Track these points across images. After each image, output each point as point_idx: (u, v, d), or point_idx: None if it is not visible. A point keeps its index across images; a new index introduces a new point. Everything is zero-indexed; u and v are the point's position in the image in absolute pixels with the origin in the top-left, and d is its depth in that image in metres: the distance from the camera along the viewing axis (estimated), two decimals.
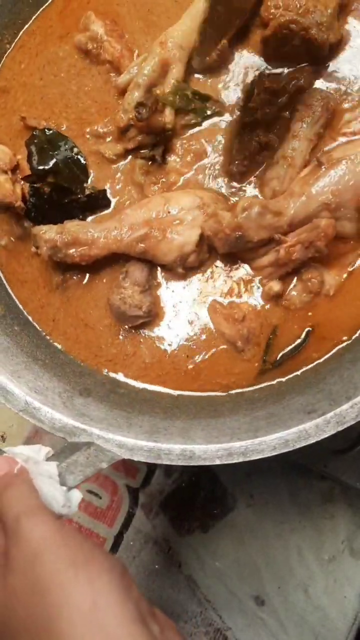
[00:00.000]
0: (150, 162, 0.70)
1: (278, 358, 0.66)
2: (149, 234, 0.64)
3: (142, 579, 0.79)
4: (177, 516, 0.80)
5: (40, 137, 0.71)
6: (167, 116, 0.68)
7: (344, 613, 0.74)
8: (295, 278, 0.66)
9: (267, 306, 0.67)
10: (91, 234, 0.66)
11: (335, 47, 0.67)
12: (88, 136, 0.71)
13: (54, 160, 0.70)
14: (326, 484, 0.77)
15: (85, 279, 0.70)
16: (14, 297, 0.70)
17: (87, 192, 0.70)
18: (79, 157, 0.71)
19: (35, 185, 0.69)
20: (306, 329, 0.66)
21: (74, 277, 0.69)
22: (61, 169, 0.70)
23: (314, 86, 0.68)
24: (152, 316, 0.67)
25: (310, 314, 0.67)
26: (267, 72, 0.69)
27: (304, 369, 0.66)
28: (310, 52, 0.66)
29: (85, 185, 0.71)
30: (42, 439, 0.83)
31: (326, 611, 0.75)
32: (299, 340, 0.66)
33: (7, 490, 0.50)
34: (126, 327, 0.68)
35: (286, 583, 0.76)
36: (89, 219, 0.71)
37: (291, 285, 0.67)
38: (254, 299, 0.67)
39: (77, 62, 0.73)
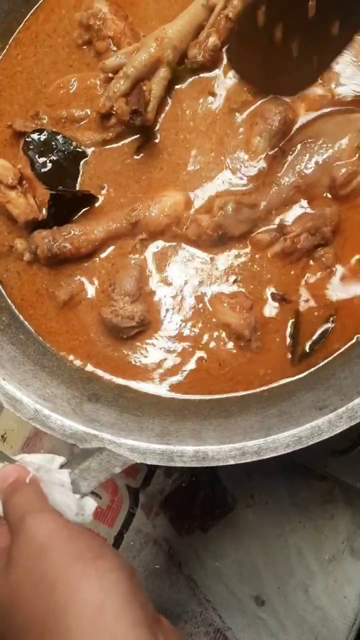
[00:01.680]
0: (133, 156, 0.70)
1: (307, 349, 0.66)
2: (135, 207, 0.67)
3: (142, 579, 0.79)
4: (177, 516, 0.80)
5: (35, 142, 0.70)
6: (149, 112, 0.67)
7: (344, 613, 0.74)
8: (311, 261, 0.67)
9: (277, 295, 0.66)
10: (84, 226, 0.67)
11: None
12: (65, 122, 0.71)
13: (56, 159, 0.69)
14: (326, 484, 0.77)
15: (87, 291, 0.69)
16: (17, 312, 0.69)
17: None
18: (76, 149, 0.70)
19: (58, 192, 0.68)
20: (331, 317, 0.66)
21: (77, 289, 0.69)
22: (65, 167, 0.69)
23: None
24: (146, 324, 0.67)
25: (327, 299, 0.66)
26: None
27: (324, 362, 0.65)
28: None
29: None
30: (42, 439, 0.83)
31: (326, 611, 0.75)
32: (326, 326, 0.66)
33: (15, 494, 0.49)
34: (124, 336, 0.67)
35: (286, 583, 0.76)
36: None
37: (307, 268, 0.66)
38: (260, 286, 0.67)
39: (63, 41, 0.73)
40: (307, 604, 0.75)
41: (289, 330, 0.66)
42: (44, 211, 0.69)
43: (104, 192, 0.70)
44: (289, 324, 0.66)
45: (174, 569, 0.79)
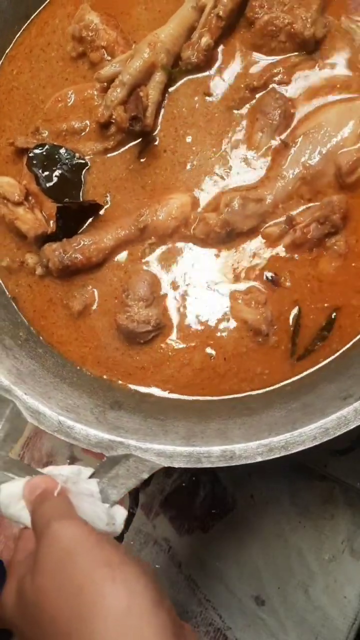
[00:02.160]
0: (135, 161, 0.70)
1: (310, 345, 0.65)
2: (142, 213, 0.67)
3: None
4: (177, 516, 0.80)
5: (38, 157, 0.70)
6: (149, 117, 0.67)
7: (344, 613, 0.74)
8: (322, 251, 0.66)
9: (289, 287, 0.66)
10: (93, 236, 0.68)
11: (322, 42, 0.68)
12: (66, 135, 0.72)
13: (60, 172, 0.69)
14: (326, 484, 0.77)
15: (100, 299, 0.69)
16: (30, 325, 0.70)
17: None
18: (79, 160, 0.70)
19: (65, 204, 0.68)
20: (333, 314, 0.66)
21: (90, 298, 0.69)
22: (70, 179, 0.70)
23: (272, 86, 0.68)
24: (162, 327, 0.67)
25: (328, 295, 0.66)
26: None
27: (332, 357, 0.65)
28: (297, 47, 0.67)
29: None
30: (42, 438, 0.82)
31: (326, 611, 0.74)
32: (328, 324, 0.66)
33: (42, 504, 0.49)
34: (141, 341, 0.67)
35: (286, 583, 0.76)
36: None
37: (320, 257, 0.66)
38: (275, 280, 0.67)
39: (58, 54, 0.73)
40: (307, 603, 0.75)
41: (291, 321, 0.66)
42: (52, 224, 0.69)
43: (108, 199, 0.70)
44: (292, 315, 0.66)
45: (174, 568, 0.79)
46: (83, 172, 0.71)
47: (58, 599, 0.42)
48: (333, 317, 0.66)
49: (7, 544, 0.79)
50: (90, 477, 0.55)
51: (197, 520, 0.79)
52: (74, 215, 0.69)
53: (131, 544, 0.80)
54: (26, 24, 0.76)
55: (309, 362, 0.65)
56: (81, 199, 0.71)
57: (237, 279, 0.67)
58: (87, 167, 0.71)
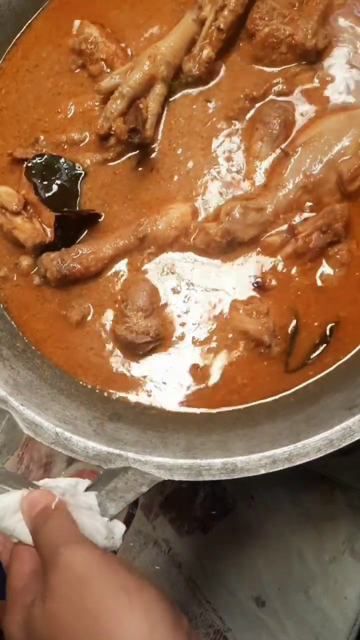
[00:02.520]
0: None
1: (312, 358, 0.64)
2: (142, 222, 0.67)
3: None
4: (177, 517, 0.79)
5: (37, 167, 0.70)
6: (148, 130, 0.67)
7: (344, 614, 0.73)
8: (323, 260, 0.66)
9: (291, 297, 0.66)
10: (92, 245, 0.67)
11: (323, 52, 0.69)
12: (65, 145, 0.72)
13: (59, 182, 0.69)
14: (327, 485, 0.76)
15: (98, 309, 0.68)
16: (25, 337, 0.69)
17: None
18: (78, 171, 0.70)
19: (63, 214, 0.68)
20: (330, 325, 0.65)
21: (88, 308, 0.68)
22: (69, 189, 0.69)
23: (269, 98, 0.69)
24: (162, 338, 0.65)
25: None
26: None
27: (334, 366, 0.64)
28: (298, 57, 0.68)
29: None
30: (38, 443, 0.79)
31: (327, 612, 0.73)
32: (324, 335, 0.65)
33: (46, 524, 0.47)
34: (140, 352, 0.66)
35: (286, 584, 0.75)
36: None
37: (320, 267, 0.65)
38: (276, 291, 0.66)
39: (57, 66, 0.74)
40: (308, 604, 0.74)
41: (289, 332, 0.65)
42: (50, 234, 0.69)
43: (106, 209, 0.70)
44: (290, 327, 0.65)
45: (174, 570, 0.77)
46: (80, 182, 0.70)
47: (74, 628, 0.41)
48: (330, 328, 0.65)
49: (7, 545, 0.76)
50: (88, 489, 0.53)
51: (197, 521, 0.78)
52: (73, 224, 0.69)
53: (131, 545, 0.79)
54: (8, 48, 0.76)
55: (312, 371, 0.64)
56: (79, 209, 0.70)
57: (237, 288, 0.66)
58: (85, 178, 0.71)
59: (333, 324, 0.65)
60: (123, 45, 0.72)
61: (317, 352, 0.65)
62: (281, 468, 0.55)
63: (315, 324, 0.65)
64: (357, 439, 0.54)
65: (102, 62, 0.71)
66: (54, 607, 0.42)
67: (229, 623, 0.75)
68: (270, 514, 0.76)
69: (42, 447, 0.81)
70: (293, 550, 0.75)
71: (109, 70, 0.71)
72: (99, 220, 0.70)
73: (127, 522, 0.79)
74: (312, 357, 0.65)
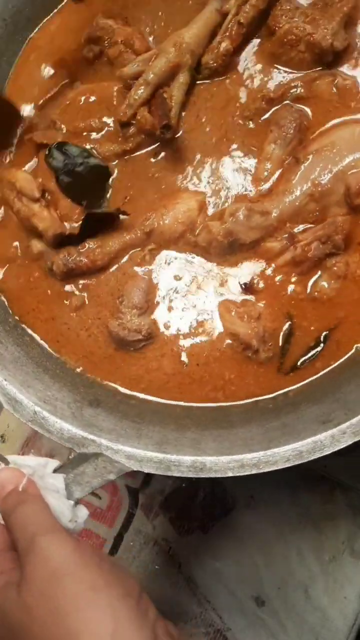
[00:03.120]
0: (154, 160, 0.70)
1: (299, 363, 0.64)
2: (148, 216, 0.67)
3: (142, 579, 0.78)
4: (177, 516, 0.79)
5: (57, 154, 0.69)
6: (173, 119, 0.67)
7: (344, 614, 0.73)
8: (320, 271, 0.65)
9: (285, 304, 0.65)
10: (99, 239, 0.67)
11: (342, 55, 0.67)
12: (84, 134, 0.71)
13: (79, 172, 0.69)
14: (326, 484, 0.76)
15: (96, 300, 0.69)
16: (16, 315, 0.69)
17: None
18: (99, 162, 0.69)
19: (91, 211, 0.67)
20: (325, 332, 0.65)
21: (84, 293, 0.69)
22: (89, 180, 0.69)
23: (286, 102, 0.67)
24: (153, 337, 0.66)
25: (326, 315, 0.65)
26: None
27: (319, 374, 0.64)
28: (315, 58, 0.66)
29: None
30: (42, 439, 0.83)
31: (326, 612, 0.73)
32: (318, 342, 0.65)
33: (19, 508, 0.49)
34: (131, 349, 0.66)
35: (286, 583, 0.75)
36: None
37: (315, 276, 0.65)
38: (271, 296, 0.66)
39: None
40: (307, 604, 0.74)
41: (281, 337, 0.65)
42: (66, 225, 0.68)
43: (125, 203, 0.69)
44: (282, 332, 0.65)
45: (174, 569, 0.78)
46: (103, 175, 0.70)
47: (46, 623, 0.43)
48: (323, 337, 0.64)
49: None
50: (57, 471, 0.55)
51: (197, 520, 0.79)
52: (98, 221, 0.67)
53: (131, 544, 0.80)
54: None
55: (295, 380, 0.64)
56: (102, 203, 0.69)
57: (232, 290, 0.66)
58: (109, 172, 0.70)
59: (327, 332, 0.65)
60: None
61: (307, 357, 0.64)
62: (248, 473, 0.55)
63: (312, 328, 0.65)
64: (326, 453, 0.55)
65: (121, 44, 0.70)
66: (29, 600, 0.44)
67: (229, 622, 0.76)
68: (270, 514, 0.76)
69: (42, 447, 0.82)
70: (293, 549, 0.75)
71: (128, 50, 0.70)
72: (125, 217, 0.69)
73: (127, 521, 0.80)
74: (299, 363, 0.64)
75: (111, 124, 0.71)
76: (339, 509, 0.75)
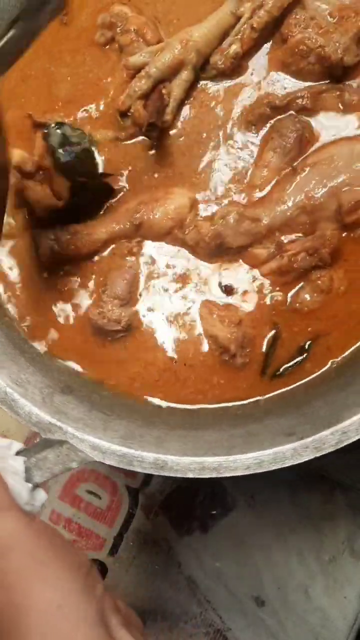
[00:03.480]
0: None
1: (281, 370, 0.65)
2: (138, 210, 0.67)
3: (142, 579, 0.79)
4: (177, 516, 0.80)
5: (54, 134, 0.70)
6: (169, 114, 0.67)
7: (344, 614, 0.74)
8: (303, 283, 0.66)
9: (267, 312, 0.66)
10: (87, 227, 0.67)
11: (352, 70, 0.66)
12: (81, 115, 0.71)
13: (75, 153, 0.69)
14: (326, 484, 0.76)
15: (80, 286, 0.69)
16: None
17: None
18: (91, 145, 0.70)
19: (79, 180, 0.67)
20: (308, 341, 0.65)
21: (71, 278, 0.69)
22: (83, 162, 0.69)
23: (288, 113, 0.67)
24: (132, 329, 0.66)
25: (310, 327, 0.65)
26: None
27: (291, 386, 0.64)
28: (325, 70, 0.66)
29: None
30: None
31: (326, 612, 0.74)
32: (302, 351, 0.65)
33: None
34: (108, 338, 0.67)
35: (286, 583, 0.76)
36: None
37: (297, 287, 0.66)
38: (253, 302, 0.66)
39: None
40: (307, 604, 0.75)
41: (265, 343, 0.65)
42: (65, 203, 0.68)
43: (121, 184, 0.69)
44: (267, 338, 0.65)
45: (174, 569, 0.79)
46: (95, 158, 0.70)
47: None
48: (307, 346, 0.65)
49: None
50: (19, 453, 0.55)
51: (197, 520, 0.79)
52: (87, 195, 0.68)
53: (131, 544, 0.80)
54: None
55: (267, 389, 0.65)
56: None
57: (216, 292, 0.67)
58: (98, 153, 0.70)
59: (309, 342, 0.65)
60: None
61: (289, 364, 0.65)
62: (208, 476, 0.56)
63: (289, 339, 0.65)
64: (287, 465, 0.55)
65: (133, 33, 0.69)
66: None
67: (229, 622, 0.77)
68: (270, 514, 0.77)
69: None
70: (293, 549, 0.76)
71: (140, 40, 0.70)
72: (115, 197, 0.69)
73: (127, 521, 0.81)
74: (281, 369, 0.65)
75: (110, 111, 0.70)
76: (338, 509, 0.76)
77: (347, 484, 0.75)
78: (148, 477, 0.81)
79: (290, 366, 0.65)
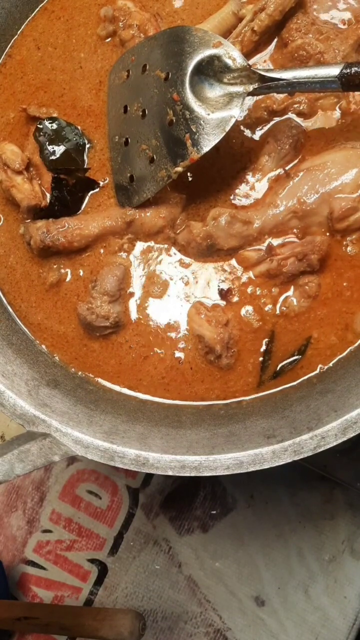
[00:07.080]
0: None
1: (278, 369, 0.65)
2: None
3: (142, 579, 0.80)
4: (177, 516, 0.80)
5: (47, 129, 0.70)
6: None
7: (344, 613, 0.74)
8: (292, 287, 0.66)
9: (254, 314, 0.66)
10: (79, 221, 0.67)
11: None
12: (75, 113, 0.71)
13: (65, 148, 0.69)
14: (326, 484, 0.77)
15: (71, 281, 0.69)
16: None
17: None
18: (84, 140, 0.70)
19: (59, 176, 0.67)
20: (306, 342, 0.66)
21: (61, 270, 0.69)
22: (72, 158, 0.69)
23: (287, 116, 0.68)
24: (120, 326, 0.67)
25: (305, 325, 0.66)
26: None
27: (276, 389, 0.65)
28: None
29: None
30: None
31: (326, 611, 0.75)
32: (299, 352, 0.66)
33: None
34: (96, 334, 0.67)
35: (286, 583, 0.76)
36: None
37: (285, 292, 0.66)
38: (241, 304, 0.67)
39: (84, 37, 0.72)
40: (307, 604, 0.75)
41: (263, 348, 0.66)
42: (48, 199, 0.68)
43: (107, 183, 0.70)
44: (264, 342, 0.66)
45: (174, 569, 0.80)
46: (86, 153, 0.70)
47: None
48: (301, 349, 0.65)
49: (7, 545, 0.80)
50: (2, 445, 0.56)
51: (197, 520, 0.80)
52: (70, 189, 0.68)
53: (131, 544, 0.81)
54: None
55: (250, 390, 0.66)
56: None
57: (205, 293, 0.67)
58: (91, 149, 0.70)
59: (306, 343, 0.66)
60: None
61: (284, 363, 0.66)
62: (188, 475, 0.57)
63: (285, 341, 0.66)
64: (265, 467, 0.56)
65: (136, 28, 0.69)
66: None
67: (229, 622, 0.77)
68: (270, 513, 0.77)
69: None
70: (293, 549, 0.77)
71: (141, 35, 0.69)
72: (96, 189, 0.69)
73: (127, 521, 0.82)
74: (278, 368, 0.66)
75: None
76: (338, 509, 0.76)
77: (347, 483, 0.75)
78: (148, 477, 0.82)
79: (286, 364, 0.65)
